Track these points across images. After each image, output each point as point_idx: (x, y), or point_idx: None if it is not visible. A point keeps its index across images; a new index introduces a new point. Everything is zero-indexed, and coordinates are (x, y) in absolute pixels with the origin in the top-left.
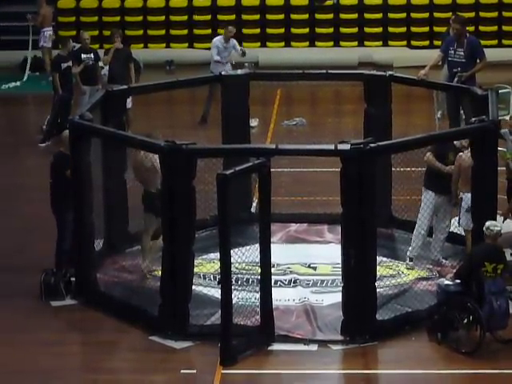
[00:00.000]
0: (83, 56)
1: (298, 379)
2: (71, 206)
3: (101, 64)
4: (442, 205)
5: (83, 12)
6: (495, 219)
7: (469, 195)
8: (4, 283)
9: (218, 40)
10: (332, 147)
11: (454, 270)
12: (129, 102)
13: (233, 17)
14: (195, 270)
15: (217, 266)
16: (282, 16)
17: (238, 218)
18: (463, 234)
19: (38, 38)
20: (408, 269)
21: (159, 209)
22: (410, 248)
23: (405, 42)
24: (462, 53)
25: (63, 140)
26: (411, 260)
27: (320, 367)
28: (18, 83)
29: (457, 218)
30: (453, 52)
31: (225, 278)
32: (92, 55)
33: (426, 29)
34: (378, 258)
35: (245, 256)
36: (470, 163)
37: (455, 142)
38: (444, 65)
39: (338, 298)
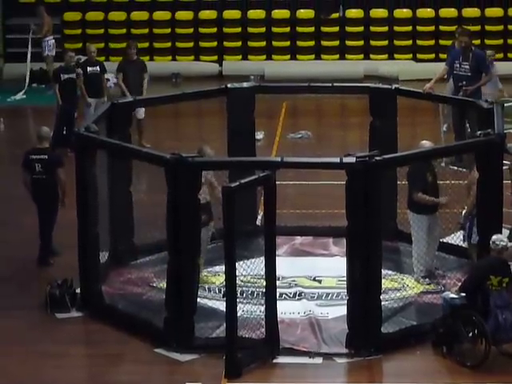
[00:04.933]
0: (89, 69)
1: None
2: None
3: (106, 76)
4: (433, 222)
5: (89, 24)
6: (501, 233)
7: None
8: (9, 295)
9: None
10: (337, 160)
11: (459, 284)
12: (141, 113)
13: (238, 29)
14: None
15: (222, 278)
16: (287, 29)
17: (243, 231)
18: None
19: (39, 49)
20: (413, 282)
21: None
22: (416, 269)
23: (410, 55)
24: (468, 66)
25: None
26: (425, 278)
27: (325, 380)
28: (25, 95)
29: (459, 233)
30: (458, 65)
31: (230, 291)
32: (98, 68)
33: (432, 42)
34: (383, 271)
35: (250, 269)
36: None
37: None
38: (450, 78)
39: (343, 311)
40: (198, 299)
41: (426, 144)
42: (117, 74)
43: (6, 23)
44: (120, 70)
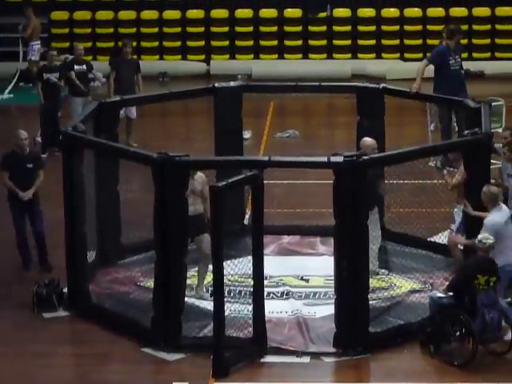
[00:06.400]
0: (76, 67)
1: None
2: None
3: (93, 75)
4: (372, 219)
5: (76, 23)
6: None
7: None
8: None
9: None
10: (325, 159)
11: (447, 283)
12: (133, 113)
13: (226, 29)
14: (188, 281)
15: (209, 278)
16: (275, 28)
17: (230, 230)
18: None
19: (27, 50)
20: (401, 281)
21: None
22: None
23: (398, 55)
24: (460, 59)
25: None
26: (377, 273)
27: (312, 379)
28: (12, 95)
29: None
30: (453, 61)
31: (217, 290)
32: (85, 67)
33: (419, 41)
34: None
35: (237, 268)
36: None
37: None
38: (442, 78)
39: (330, 310)
40: (186, 298)
41: (368, 141)
42: (110, 72)
43: None
44: (113, 69)
